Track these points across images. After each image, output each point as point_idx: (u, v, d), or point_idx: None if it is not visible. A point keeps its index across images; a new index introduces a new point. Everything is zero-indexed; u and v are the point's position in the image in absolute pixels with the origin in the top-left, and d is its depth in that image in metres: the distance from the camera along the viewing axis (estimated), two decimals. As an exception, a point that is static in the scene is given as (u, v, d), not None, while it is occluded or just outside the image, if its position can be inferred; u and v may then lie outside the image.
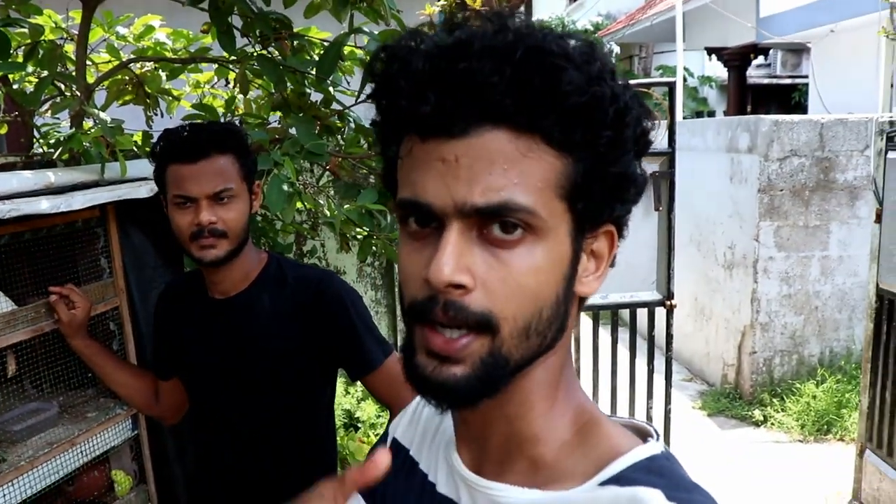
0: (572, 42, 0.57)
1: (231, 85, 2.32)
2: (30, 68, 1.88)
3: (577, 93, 0.54)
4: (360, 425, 3.45)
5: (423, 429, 0.77)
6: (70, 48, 2.02)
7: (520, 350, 0.58)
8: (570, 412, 0.65)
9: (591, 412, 0.66)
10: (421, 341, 0.58)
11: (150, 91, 2.21)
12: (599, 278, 0.63)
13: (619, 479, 0.59)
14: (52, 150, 1.98)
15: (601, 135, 0.56)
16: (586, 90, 0.55)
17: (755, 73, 10.98)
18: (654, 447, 0.62)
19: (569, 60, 0.54)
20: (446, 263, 0.55)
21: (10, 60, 1.75)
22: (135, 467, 1.93)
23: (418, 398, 0.81)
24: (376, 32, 1.91)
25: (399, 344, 3.61)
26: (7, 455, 1.57)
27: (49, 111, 2.05)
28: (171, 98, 2.31)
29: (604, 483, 0.59)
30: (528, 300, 0.57)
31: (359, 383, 1.61)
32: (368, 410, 3.46)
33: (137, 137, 2.12)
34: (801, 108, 9.90)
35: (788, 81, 10.92)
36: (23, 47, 1.92)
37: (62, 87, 2.00)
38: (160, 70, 2.22)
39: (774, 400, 4.63)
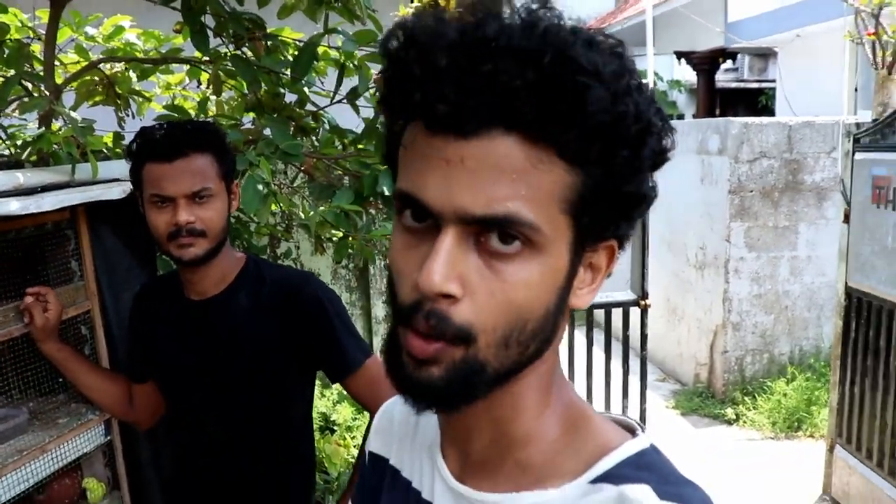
0: (603, 47, 0.54)
1: (203, 86, 2.29)
2: (-5, 67, 1.84)
3: (602, 111, 0.52)
4: (335, 428, 3.43)
5: (400, 434, 0.75)
6: (37, 48, 1.98)
7: (498, 358, 0.56)
8: (559, 411, 0.64)
9: (580, 408, 0.65)
10: (403, 342, 0.57)
11: (120, 92, 2.18)
12: (594, 291, 0.62)
13: (609, 477, 0.58)
14: (19, 151, 1.94)
15: (618, 153, 0.54)
16: (611, 108, 0.52)
17: (723, 77, 11.10)
18: (642, 441, 0.62)
19: (598, 76, 0.52)
20: (437, 271, 0.53)
21: (-25, 59, 1.71)
22: (108, 474, 1.89)
23: (382, 409, 0.80)
24: (351, 33, 1.90)
25: (375, 345, 3.58)
26: (-25, 463, 1.52)
27: (16, 111, 2.00)
28: (141, 99, 2.28)
29: (594, 481, 0.59)
30: (514, 313, 0.55)
31: (335, 386, 1.61)
32: (344, 413, 3.44)
33: (108, 139, 2.09)
34: (769, 111, 10.05)
35: (756, 85, 11.06)
36: (-12, 46, 1.88)
37: (29, 86, 1.96)
38: (131, 71, 2.19)
39: (746, 398, 4.69)
